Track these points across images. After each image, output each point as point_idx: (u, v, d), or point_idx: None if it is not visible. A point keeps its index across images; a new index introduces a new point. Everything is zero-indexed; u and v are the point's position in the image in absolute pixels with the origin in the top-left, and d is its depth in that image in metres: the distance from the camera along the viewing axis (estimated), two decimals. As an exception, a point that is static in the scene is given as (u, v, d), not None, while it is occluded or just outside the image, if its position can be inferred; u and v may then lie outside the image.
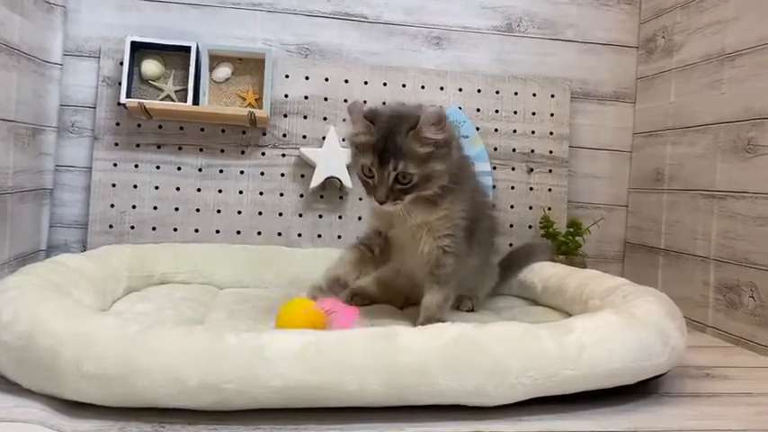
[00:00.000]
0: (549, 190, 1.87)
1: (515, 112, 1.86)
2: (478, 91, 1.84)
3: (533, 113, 1.87)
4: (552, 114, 1.88)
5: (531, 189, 1.87)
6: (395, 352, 0.83)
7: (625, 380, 0.93)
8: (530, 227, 1.86)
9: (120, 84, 1.65)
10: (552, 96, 1.88)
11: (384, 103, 1.71)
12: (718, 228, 1.52)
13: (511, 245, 1.81)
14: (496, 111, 1.85)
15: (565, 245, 1.75)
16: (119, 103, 1.65)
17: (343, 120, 1.77)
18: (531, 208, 1.86)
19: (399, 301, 1.42)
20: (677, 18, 1.74)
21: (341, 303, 1.10)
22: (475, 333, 0.87)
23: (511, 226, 1.85)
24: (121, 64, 1.65)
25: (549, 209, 1.85)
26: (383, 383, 0.81)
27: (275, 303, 1.30)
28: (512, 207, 1.86)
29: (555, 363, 0.88)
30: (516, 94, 1.86)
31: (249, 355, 0.80)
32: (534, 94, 1.87)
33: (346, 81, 1.79)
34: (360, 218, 1.76)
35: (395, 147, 1.10)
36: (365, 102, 1.75)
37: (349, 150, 1.70)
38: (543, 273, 1.54)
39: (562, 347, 0.89)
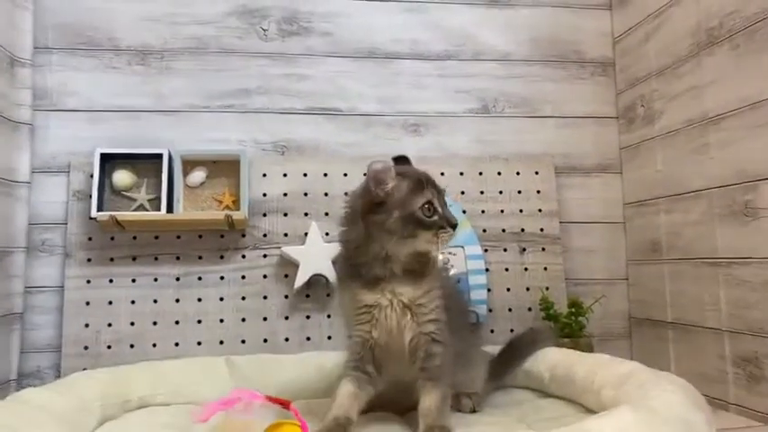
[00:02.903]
0: (545, 269, 1.80)
1: (501, 192, 1.81)
2: (461, 174, 1.80)
3: (519, 192, 1.82)
4: (539, 191, 1.83)
5: (526, 269, 1.79)
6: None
7: (654, 486, 0.83)
8: (529, 309, 1.77)
9: (90, 197, 1.59)
10: (536, 173, 1.83)
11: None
12: (726, 297, 1.44)
13: (512, 330, 1.73)
14: (481, 192, 1.80)
15: (568, 326, 1.65)
16: (90, 217, 1.59)
17: (326, 214, 1.72)
18: (528, 289, 1.78)
19: (393, 406, 1.31)
20: (653, 86, 1.72)
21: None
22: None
23: (509, 310, 1.77)
24: (92, 176, 1.60)
25: (547, 288, 1.77)
26: None
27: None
28: (508, 290, 1.78)
29: (574, 477, 0.77)
30: (499, 173, 1.82)
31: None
32: (518, 173, 1.83)
33: (325, 174, 1.74)
34: (350, 315, 1.67)
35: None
36: (346, 194, 1.71)
37: (331, 249, 1.65)
38: (549, 360, 1.43)
39: (580, 458, 0.79)
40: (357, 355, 1.17)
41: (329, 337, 1.67)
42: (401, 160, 1.23)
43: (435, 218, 1.13)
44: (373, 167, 1.11)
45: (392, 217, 1.11)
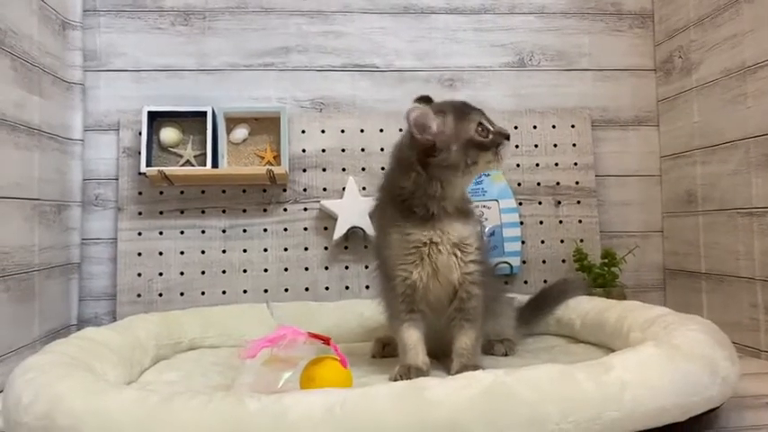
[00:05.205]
0: (580, 222, 1.82)
1: (536, 146, 1.83)
2: (496, 128, 1.82)
3: (555, 145, 1.83)
4: (575, 144, 1.84)
5: (561, 222, 1.82)
6: (424, 407, 0.79)
7: (675, 417, 0.87)
8: (563, 261, 1.80)
9: (140, 153, 1.67)
10: (573, 126, 1.84)
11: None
12: (760, 246, 1.45)
13: (545, 281, 1.76)
14: (516, 146, 1.82)
15: (601, 277, 1.68)
16: (140, 173, 1.67)
17: (362, 169, 1.77)
18: (562, 242, 1.81)
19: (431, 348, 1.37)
20: (692, 36, 1.70)
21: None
22: (508, 380, 0.83)
23: (543, 262, 1.80)
24: (140, 134, 1.68)
25: (582, 241, 1.80)
26: (414, 441, 0.77)
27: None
28: (542, 242, 1.81)
29: (596, 405, 0.82)
30: (535, 127, 1.83)
31: (271, 420, 0.76)
32: (554, 126, 1.84)
33: (362, 130, 1.78)
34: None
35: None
36: (382, 149, 1.75)
37: (368, 203, 1.70)
38: (580, 308, 1.47)
39: (602, 388, 0.83)
40: (407, 297, 1.19)
41: (367, 287, 1.74)
42: (424, 100, 1.23)
43: (491, 136, 1.15)
44: (412, 116, 1.11)
45: (451, 152, 1.13)
